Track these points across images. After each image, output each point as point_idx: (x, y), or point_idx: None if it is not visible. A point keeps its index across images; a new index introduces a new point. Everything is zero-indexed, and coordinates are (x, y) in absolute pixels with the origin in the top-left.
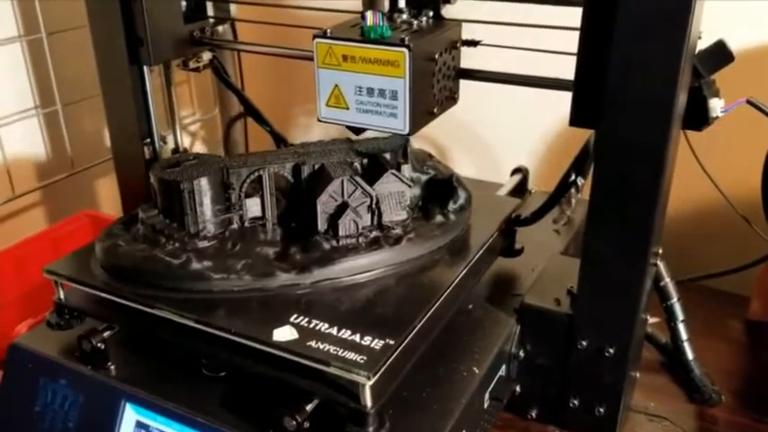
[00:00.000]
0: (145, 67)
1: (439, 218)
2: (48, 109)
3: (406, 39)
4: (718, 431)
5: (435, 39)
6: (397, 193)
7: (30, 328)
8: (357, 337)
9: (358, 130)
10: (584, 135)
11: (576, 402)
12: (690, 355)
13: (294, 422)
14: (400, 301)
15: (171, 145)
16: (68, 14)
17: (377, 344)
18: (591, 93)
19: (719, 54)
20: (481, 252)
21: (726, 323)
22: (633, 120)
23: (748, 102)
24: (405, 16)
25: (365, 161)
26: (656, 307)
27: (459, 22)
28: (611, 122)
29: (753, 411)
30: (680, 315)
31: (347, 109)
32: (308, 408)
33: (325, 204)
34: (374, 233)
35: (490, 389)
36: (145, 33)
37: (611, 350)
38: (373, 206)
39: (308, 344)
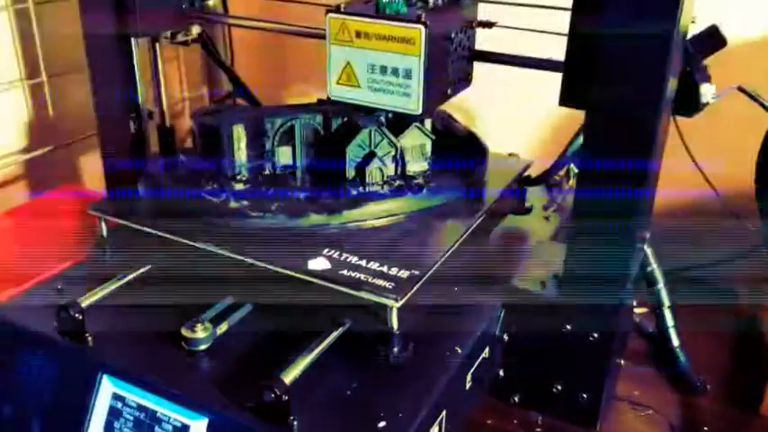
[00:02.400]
0: (133, 40)
1: (457, 171)
2: (33, 80)
3: (423, 15)
4: (701, 421)
5: (452, 17)
6: (420, 145)
7: (8, 298)
8: (385, 268)
9: (368, 110)
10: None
11: (558, 388)
12: (675, 341)
13: (273, 395)
14: (422, 242)
15: (157, 120)
16: None
17: (403, 273)
18: (581, 73)
19: (712, 39)
20: (495, 203)
21: (713, 315)
22: (622, 100)
23: (739, 89)
24: None
25: (390, 115)
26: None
27: (474, 2)
28: (600, 103)
29: (738, 402)
30: (666, 301)
31: (358, 87)
32: (337, 332)
33: (353, 152)
34: (398, 181)
35: (472, 370)
36: (133, 3)
37: (595, 335)
38: (398, 156)
39: (341, 272)
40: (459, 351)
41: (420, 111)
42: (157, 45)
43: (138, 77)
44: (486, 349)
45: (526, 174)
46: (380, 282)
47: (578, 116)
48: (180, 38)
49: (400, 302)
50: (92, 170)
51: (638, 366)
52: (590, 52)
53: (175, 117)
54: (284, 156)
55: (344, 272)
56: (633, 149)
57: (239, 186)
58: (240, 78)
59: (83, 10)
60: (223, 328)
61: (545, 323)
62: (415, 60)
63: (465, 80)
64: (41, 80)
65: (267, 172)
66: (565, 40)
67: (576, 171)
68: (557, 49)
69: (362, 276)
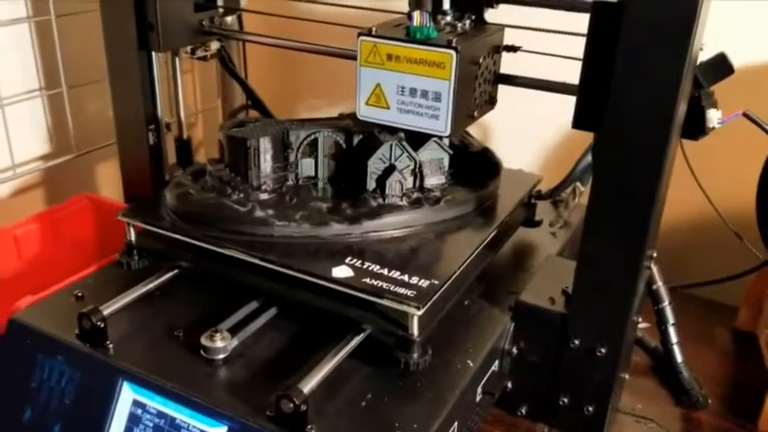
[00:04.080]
0: (153, 54)
1: (472, 185)
2: (53, 91)
3: (454, 41)
4: None
5: (480, 42)
6: (438, 159)
7: (30, 305)
8: (406, 277)
9: (395, 130)
10: (582, 143)
11: (565, 400)
12: (679, 357)
13: (291, 404)
14: (440, 252)
15: (174, 132)
16: None
17: (423, 282)
18: (594, 97)
19: (720, 66)
20: (508, 216)
21: (714, 331)
22: (634, 125)
23: (744, 115)
24: (449, 18)
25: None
26: (647, 313)
27: (501, 27)
28: (613, 126)
29: (737, 417)
30: (670, 318)
31: (387, 108)
32: (357, 339)
33: (374, 165)
34: (416, 194)
35: (483, 383)
36: (156, 20)
37: (603, 350)
38: (417, 170)
39: (364, 280)
40: (471, 364)
41: (448, 132)
42: (177, 60)
43: (157, 91)
44: (496, 362)
45: (537, 188)
46: (402, 290)
47: (582, 135)
48: (199, 53)
49: (422, 310)
50: (109, 179)
51: (641, 379)
52: (604, 77)
53: (189, 128)
54: (307, 167)
55: (367, 280)
56: (643, 172)
57: (264, 196)
58: (255, 92)
59: (106, 27)
60: (242, 337)
61: (553, 337)
62: (446, 84)
63: (490, 103)
64: (61, 90)
65: (291, 183)
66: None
67: (582, 189)
68: (569, 72)
69: (384, 284)
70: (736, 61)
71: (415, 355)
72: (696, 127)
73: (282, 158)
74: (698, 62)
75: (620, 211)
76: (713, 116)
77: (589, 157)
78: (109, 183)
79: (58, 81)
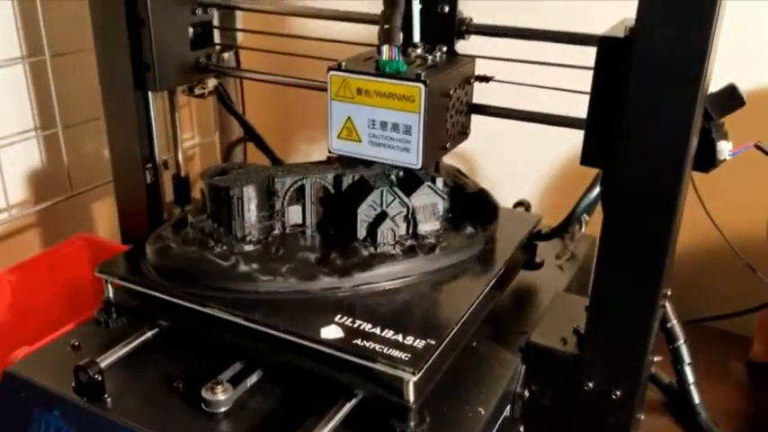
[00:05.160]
0: (149, 93)
1: (469, 229)
2: (48, 131)
3: (423, 74)
4: None
5: (450, 74)
6: (431, 204)
7: (25, 356)
8: (400, 337)
9: (369, 163)
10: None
11: None
12: (696, 398)
13: None
14: (437, 306)
15: (172, 170)
16: (72, 36)
17: (419, 343)
18: (603, 133)
19: (731, 98)
20: (508, 262)
21: (728, 365)
22: (646, 161)
23: (756, 146)
24: (419, 51)
25: (401, 173)
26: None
27: (472, 58)
28: (624, 163)
29: None
30: (686, 358)
31: (359, 141)
32: (349, 405)
33: (364, 213)
34: (409, 242)
35: (495, 430)
36: (152, 59)
37: (618, 393)
38: (409, 216)
39: (355, 342)
40: (483, 412)
41: (419, 165)
42: (174, 97)
43: (154, 129)
44: (508, 407)
45: (537, 229)
46: (396, 352)
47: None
48: (197, 91)
49: (417, 375)
50: (106, 218)
51: (655, 417)
52: (612, 113)
53: (186, 163)
54: (294, 215)
55: (358, 341)
56: (657, 209)
57: (249, 248)
58: (253, 127)
59: (101, 67)
60: (241, 390)
61: (566, 379)
62: (415, 117)
63: (463, 133)
64: (56, 130)
65: (277, 232)
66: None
67: (587, 219)
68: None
69: (377, 346)
70: (744, 87)
71: (412, 424)
72: (706, 159)
73: (268, 207)
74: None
75: (634, 250)
76: (724, 148)
77: (594, 192)
78: (106, 222)
79: (53, 121)
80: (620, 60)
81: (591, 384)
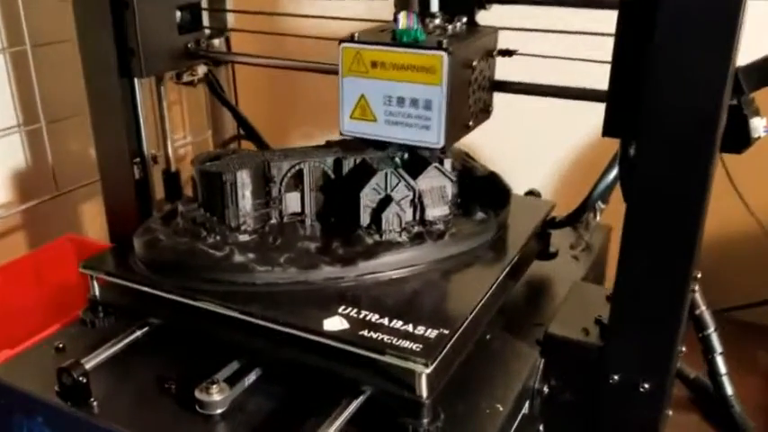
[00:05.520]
0: (136, 80)
1: (480, 215)
2: (31, 126)
3: (445, 42)
4: None
5: (473, 44)
6: (439, 187)
7: (6, 360)
8: (410, 327)
9: (377, 146)
10: (594, 160)
11: None
12: (729, 390)
13: None
14: (448, 295)
15: (162, 166)
16: (56, 26)
17: (431, 333)
18: (626, 102)
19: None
20: (522, 250)
21: (756, 356)
22: (674, 131)
23: None
24: (437, 21)
25: (406, 155)
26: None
27: (495, 29)
28: (649, 134)
29: None
30: (718, 347)
31: (374, 121)
32: (356, 403)
33: (368, 197)
34: (417, 228)
35: (514, 428)
36: (137, 44)
37: (646, 386)
38: (416, 200)
39: (361, 333)
40: (501, 409)
41: (441, 143)
42: (162, 87)
43: (141, 121)
44: (527, 404)
45: (550, 216)
46: (406, 343)
47: (593, 149)
48: (186, 78)
49: (430, 367)
50: (95, 217)
51: (681, 414)
52: (635, 80)
53: (178, 161)
54: (293, 202)
55: (365, 332)
56: (686, 183)
57: (244, 238)
58: (247, 119)
59: (84, 53)
60: (238, 390)
61: (589, 373)
62: (437, 90)
63: (485, 111)
64: (40, 125)
65: (274, 221)
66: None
67: (602, 207)
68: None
69: (385, 337)
70: None
71: (425, 421)
72: (738, 138)
73: (264, 194)
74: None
75: (661, 230)
76: (758, 125)
77: (610, 175)
78: (95, 223)
79: (36, 116)
80: (643, 16)
81: (616, 377)
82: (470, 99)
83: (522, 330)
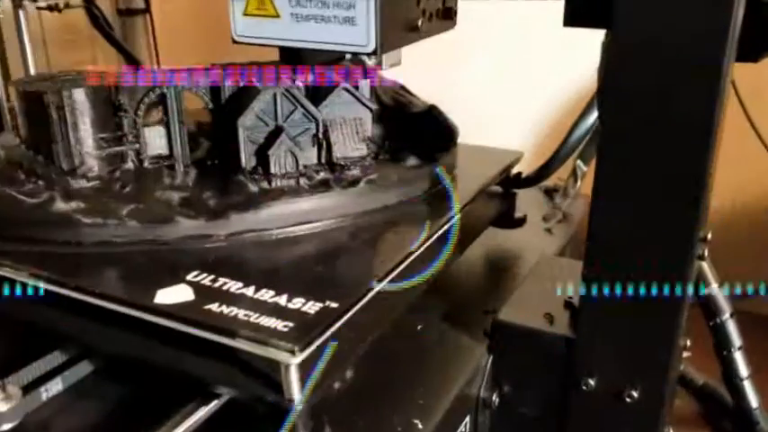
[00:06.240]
0: None
1: (412, 159)
2: None
3: None
4: None
5: None
6: (353, 119)
7: None
8: (282, 300)
9: (294, 53)
10: None
11: None
12: (753, 400)
13: None
14: (354, 261)
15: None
16: None
17: (312, 307)
18: None
19: None
20: (469, 207)
21: None
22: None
23: None
24: None
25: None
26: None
27: None
28: (629, 18)
29: None
30: (736, 339)
31: (277, 17)
32: (206, 410)
33: (250, 129)
34: (321, 173)
35: None
36: None
37: (634, 394)
38: (320, 135)
39: (207, 307)
40: (421, 427)
41: (372, 46)
42: (21, 11)
43: None
44: (467, 419)
45: (516, 171)
46: (270, 321)
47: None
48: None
49: (300, 356)
50: None
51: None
52: None
53: None
54: (155, 140)
55: (213, 306)
56: (689, 89)
57: (80, 183)
58: (132, 53)
59: None
60: (36, 399)
61: (555, 375)
62: None
63: (447, 15)
64: None
65: (130, 165)
66: None
67: (584, 169)
68: None
69: (242, 313)
70: None
71: None
72: (756, 42)
73: (113, 127)
74: None
75: (654, 158)
76: None
77: (589, 120)
78: None
79: None
80: None
81: (592, 382)
82: None
83: (468, 319)
